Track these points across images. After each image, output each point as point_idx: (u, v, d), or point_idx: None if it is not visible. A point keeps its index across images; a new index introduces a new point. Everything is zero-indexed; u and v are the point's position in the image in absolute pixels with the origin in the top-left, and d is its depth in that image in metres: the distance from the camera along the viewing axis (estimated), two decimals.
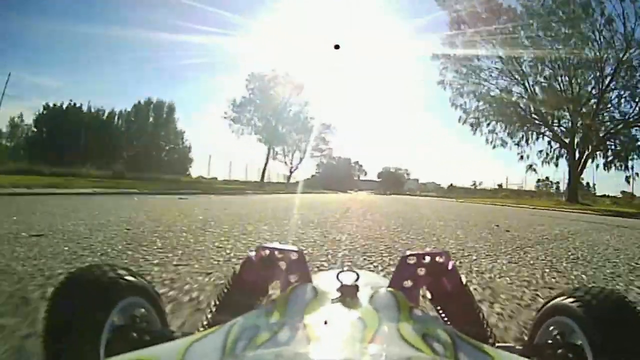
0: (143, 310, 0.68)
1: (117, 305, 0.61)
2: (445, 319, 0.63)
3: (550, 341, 0.66)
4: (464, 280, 0.63)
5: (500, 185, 44.64)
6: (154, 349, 0.40)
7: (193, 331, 0.58)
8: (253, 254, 0.61)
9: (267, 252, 0.58)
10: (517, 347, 0.63)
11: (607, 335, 0.55)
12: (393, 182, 54.19)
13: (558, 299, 0.66)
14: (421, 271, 0.57)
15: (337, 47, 24.86)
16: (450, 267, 0.58)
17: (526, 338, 0.82)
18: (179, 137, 30.30)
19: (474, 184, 49.37)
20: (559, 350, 0.60)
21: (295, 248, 0.58)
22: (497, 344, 0.61)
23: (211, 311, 0.65)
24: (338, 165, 56.00)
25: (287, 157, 40.65)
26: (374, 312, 0.42)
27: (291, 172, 40.36)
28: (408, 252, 0.58)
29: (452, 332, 0.41)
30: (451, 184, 53.18)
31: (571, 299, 0.62)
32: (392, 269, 0.65)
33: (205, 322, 0.65)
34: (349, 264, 2.39)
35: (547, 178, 43.37)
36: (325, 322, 0.40)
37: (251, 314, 0.44)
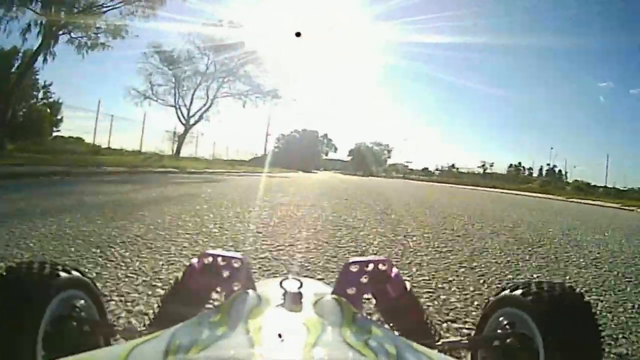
0: (83, 302, 0.67)
1: (56, 297, 0.60)
2: (391, 324, 0.62)
3: (498, 332, 0.66)
4: (408, 285, 0.62)
5: (517, 167, 37.09)
6: (94, 352, 0.41)
7: (129, 324, 0.69)
8: (196, 260, 0.59)
9: (210, 259, 0.56)
10: (463, 341, 0.63)
11: (558, 323, 0.57)
12: (368, 162, 44.83)
13: (506, 291, 0.67)
14: (364, 278, 0.56)
15: (298, 34, 22.62)
16: (393, 273, 0.58)
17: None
18: (34, 92, 19.28)
19: (484, 166, 40.89)
20: (508, 340, 0.61)
21: (239, 255, 0.56)
22: (442, 341, 0.62)
23: (153, 317, 0.64)
24: (302, 138, 46.22)
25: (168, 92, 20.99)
26: (318, 318, 0.42)
27: (187, 126, 22.31)
28: (351, 260, 0.57)
29: (395, 337, 0.42)
30: (452, 165, 44.81)
31: (520, 291, 0.63)
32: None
33: (146, 329, 0.63)
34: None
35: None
36: (269, 329, 0.40)
37: (194, 320, 0.44)
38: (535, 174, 38.76)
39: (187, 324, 0.42)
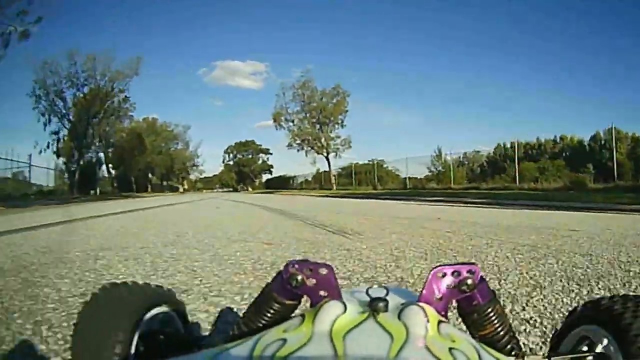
0: (170, 316, 0.69)
1: (147, 314, 0.62)
2: (475, 333, 0.62)
3: (582, 350, 0.64)
4: (493, 292, 0.63)
5: None
6: (180, 359, 0.43)
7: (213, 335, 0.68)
8: (283, 269, 0.61)
9: (297, 266, 0.58)
10: (544, 358, 0.63)
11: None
12: None
13: (585, 307, 0.65)
14: (450, 285, 0.56)
15: None
16: (479, 279, 0.58)
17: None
18: None
19: None
20: (589, 359, 0.61)
21: (325, 263, 0.58)
22: (525, 356, 0.62)
23: (239, 325, 0.65)
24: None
25: None
26: (402, 326, 0.43)
27: None
28: (438, 265, 0.58)
29: (478, 346, 0.44)
30: None
31: (601, 307, 0.62)
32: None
33: (231, 337, 0.63)
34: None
35: None
36: (354, 336, 0.41)
37: (279, 327, 0.46)
38: None
39: (272, 331, 0.45)
